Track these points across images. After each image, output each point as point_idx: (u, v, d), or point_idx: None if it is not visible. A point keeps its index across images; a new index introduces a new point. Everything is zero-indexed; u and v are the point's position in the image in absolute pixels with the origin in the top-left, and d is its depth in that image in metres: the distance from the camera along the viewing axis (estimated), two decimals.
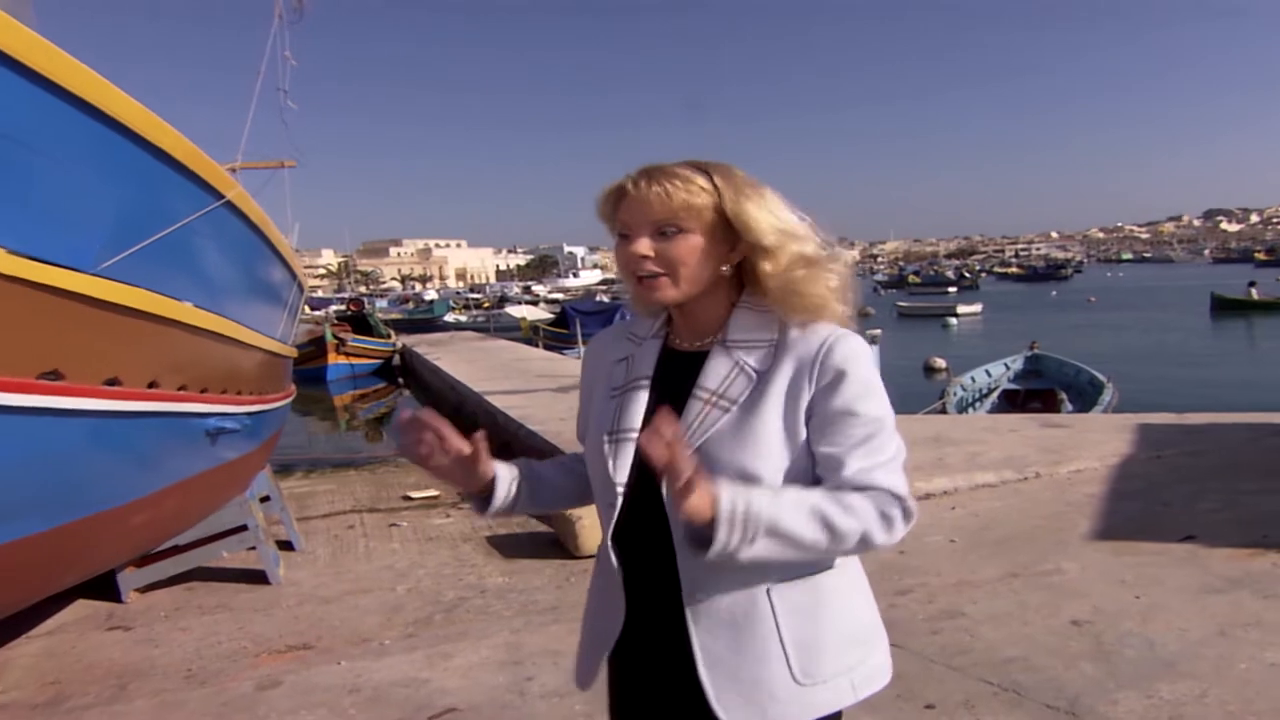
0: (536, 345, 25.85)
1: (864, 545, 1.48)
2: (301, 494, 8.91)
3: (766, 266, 1.56)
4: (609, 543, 1.59)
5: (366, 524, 7.39)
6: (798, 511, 1.43)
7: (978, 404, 15.27)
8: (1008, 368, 16.85)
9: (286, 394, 5.84)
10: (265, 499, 6.56)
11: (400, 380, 26.25)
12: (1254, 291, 43.67)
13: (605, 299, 50.85)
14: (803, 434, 1.52)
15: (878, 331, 25.62)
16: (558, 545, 6.08)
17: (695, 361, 1.61)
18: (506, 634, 4.56)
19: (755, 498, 1.40)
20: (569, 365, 16.73)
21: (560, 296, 69.51)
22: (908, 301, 57.36)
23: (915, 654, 3.98)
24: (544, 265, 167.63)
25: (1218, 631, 4.01)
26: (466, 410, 13.19)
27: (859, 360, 1.53)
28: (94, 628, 5.16)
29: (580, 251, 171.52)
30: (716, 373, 1.56)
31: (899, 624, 4.33)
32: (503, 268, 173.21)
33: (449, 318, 49.73)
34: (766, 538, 1.40)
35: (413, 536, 6.81)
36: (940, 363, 24.61)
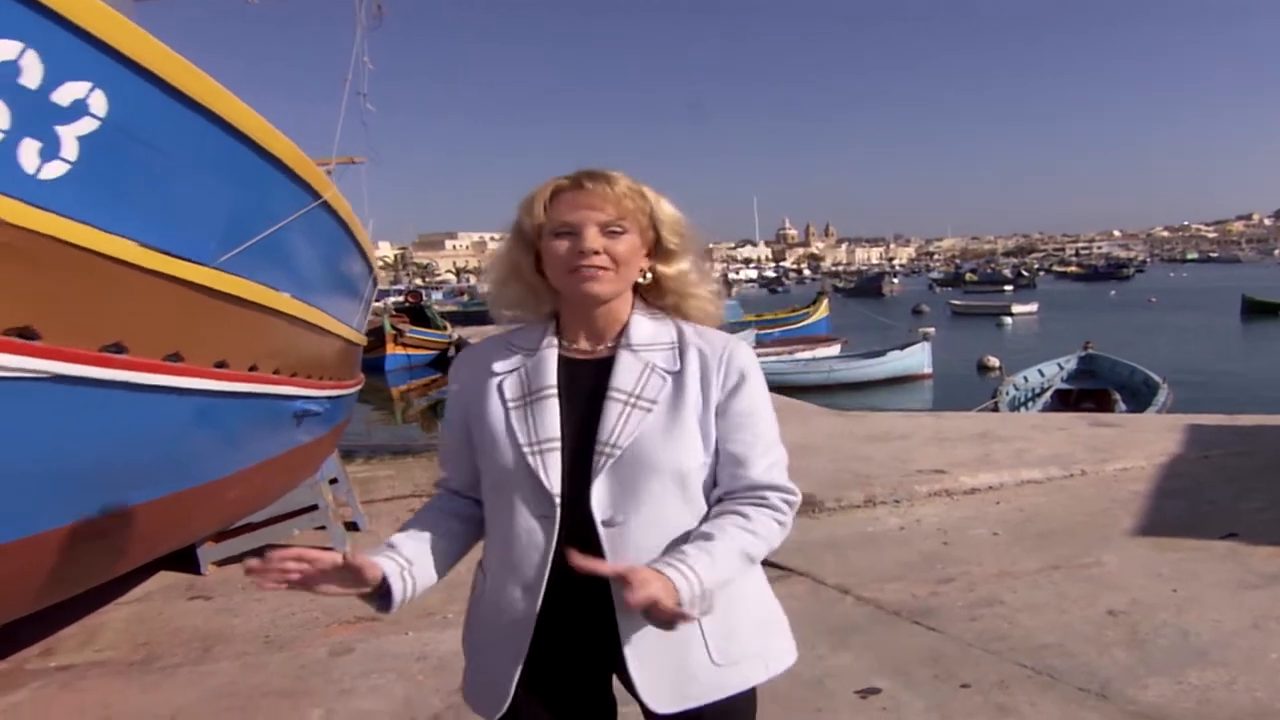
0: None
1: (765, 552, 1.66)
2: (364, 478, 9.26)
3: (668, 269, 1.71)
4: (550, 553, 1.60)
5: None
6: (730, 560, 1.58)
7: (1030, 403, 15.23)
8: (1061, 367, 16.76)
9: (357, 381, 6.15)
10: (333, 481, 6.88)
11: None
12: None
13: None
14: (713, 430, 1.65)
15: (930, 330, 25.64)
16: None
17: (594, 367, 1.69)
18: None
19: (702, 571, 1.52)
20: None
21: None
22: (962, 300, 56.79)
23: (953, 638, 4.15)
24: None
25: (1252, 624, 4.12)
26: None
27: (755, 366, 1.71)
28: (177, 596, 5.51)
29: None
30: (629, 374, 1.65)
31: (939, 610, 4.50)
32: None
33: None
34: (715, 594, 1.54)
35: None
36: (994, 361, 24.46)
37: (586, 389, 1.67)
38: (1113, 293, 67.38)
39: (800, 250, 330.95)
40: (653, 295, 1.74)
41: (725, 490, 1.67)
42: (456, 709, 3.75)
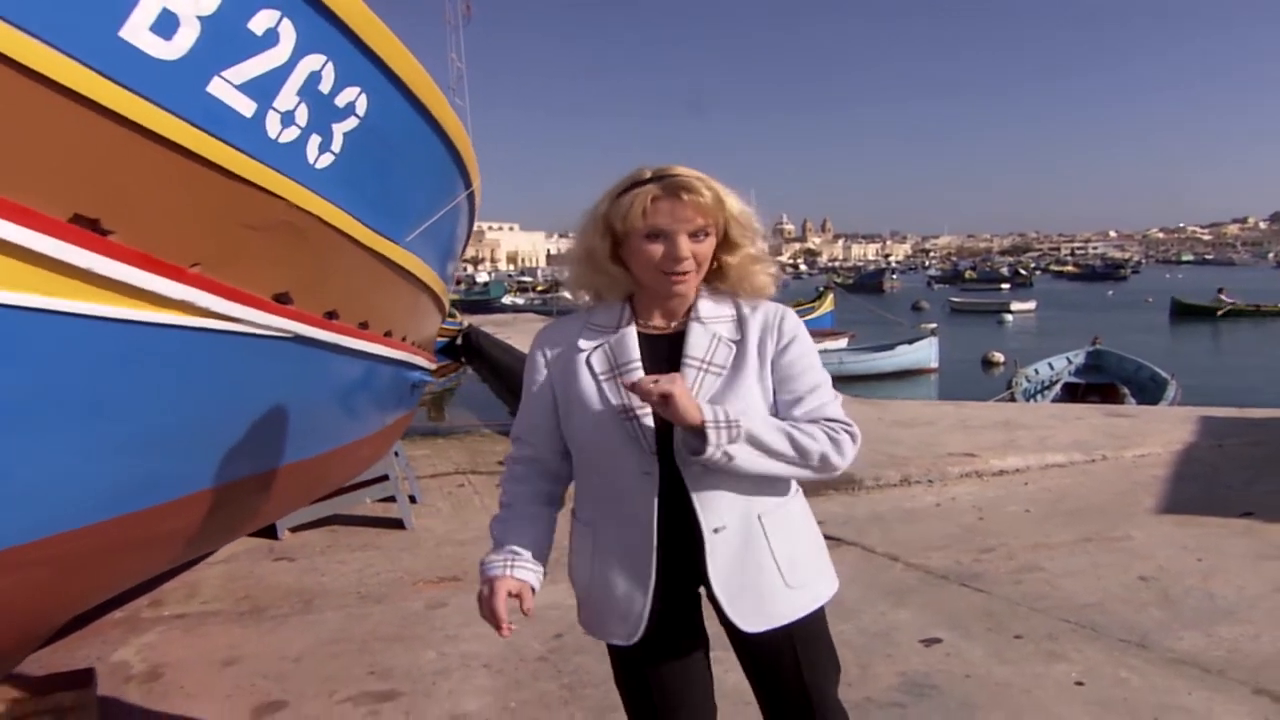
0: None
1: (825, 464, 1.88)
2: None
3: (732, 259, 1.94)
4: (656, 501, 1.86)
5: (474, 483, 8.08)
6: (768, 426, 1.83)
7: (1039, 396, 15.64)
8: (1069, 361, 17.17)
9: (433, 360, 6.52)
10: (395, 454, 7.25)
11: (463, 359, 27.06)
12: (1222, 296, 41.85)
13: None
14: (769, 384, 1.92)
15: (933, 325, 25.97)
16: None
17: (669, 340, 1.94)
18: None
19: (733, 413, 1.78)
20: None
21: None
22: (960, 297, 57.19)
23: (1001, 598, 4.54)
24: None
25: (1273, 589, 4.51)
26: None
27: (803, 329, 1.98)
28: (261, 558, 5.88)
29: None
30: (700, 344, 1.91)
31: (984, 575, 4.90)
32: (554, 252, 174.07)
33: (505, 299, 50.61)
34: (747, 444, 1.78)
35: None
36: (999, 357, 24.91)
37: (664, 359, 1.91)
38: (1110, 293, 67.79)
39: (796, 245, 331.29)
40: (716, 278, 1.98)
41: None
42: (558, 651, 4.13)
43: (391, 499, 6.69)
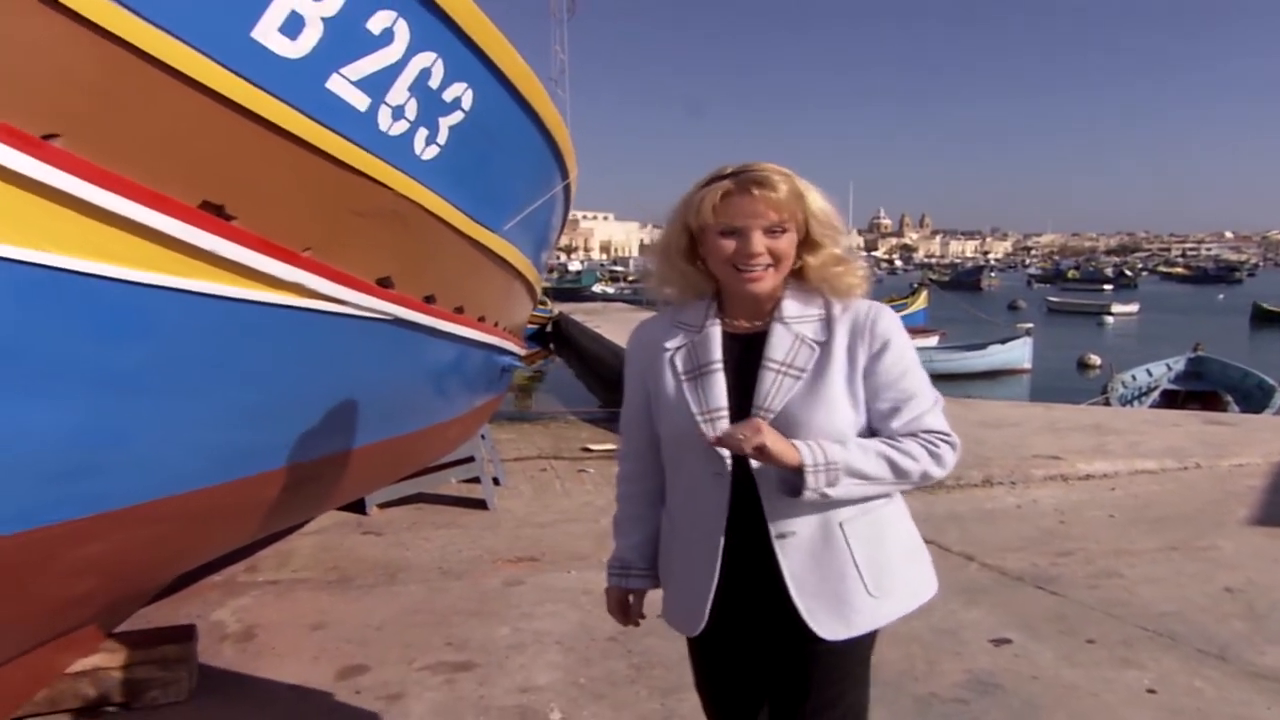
0: None
1: (924, 479, 1.84)
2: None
3: (814, 259, 1.88)
4: (725, 503, 1.86)
5: (556, 468, 8.26)
6: (865, 454, 1.78)
7: (1136, 402, 15.16)
8: (1169, 368, 16.58)
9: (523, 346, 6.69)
10: (482, 436, 7.46)
11: (552, 346, 27.41)
12: None
13: None
14: (860, 392, 1.84)
15: (1029, 325, 25.34)
16: None
17: (752, 341, 1.88)
18: None
19: (829, 446, 1.75)
20: None
21: None
22: (1059, 297, 55.57)
23: (1075, 602, 4.49)
24: None
25: None
26: None
27: (899, 329, 1.87)
28: (350, 531, 6.13)
29: None
30: (781, 346, 1.84)
31: (1061, 578, 4.84)
32: (646, 242, 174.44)
33: (596, 288, 51.06)
34: (847, 477, 1.75)
35: (602, 482, 7.61)
36: (1095, 359, 24.18)
37: (748, 360, 1.86)
38: (1221, 296, 64.91)
39: (893, 240, 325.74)
40: (802, 276, 1.91)
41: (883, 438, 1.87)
42: (628, 633, 4.22)
43: (475, 480, 6.89)
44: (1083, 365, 24.74)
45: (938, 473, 1.85)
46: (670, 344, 1.93)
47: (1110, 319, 42.37)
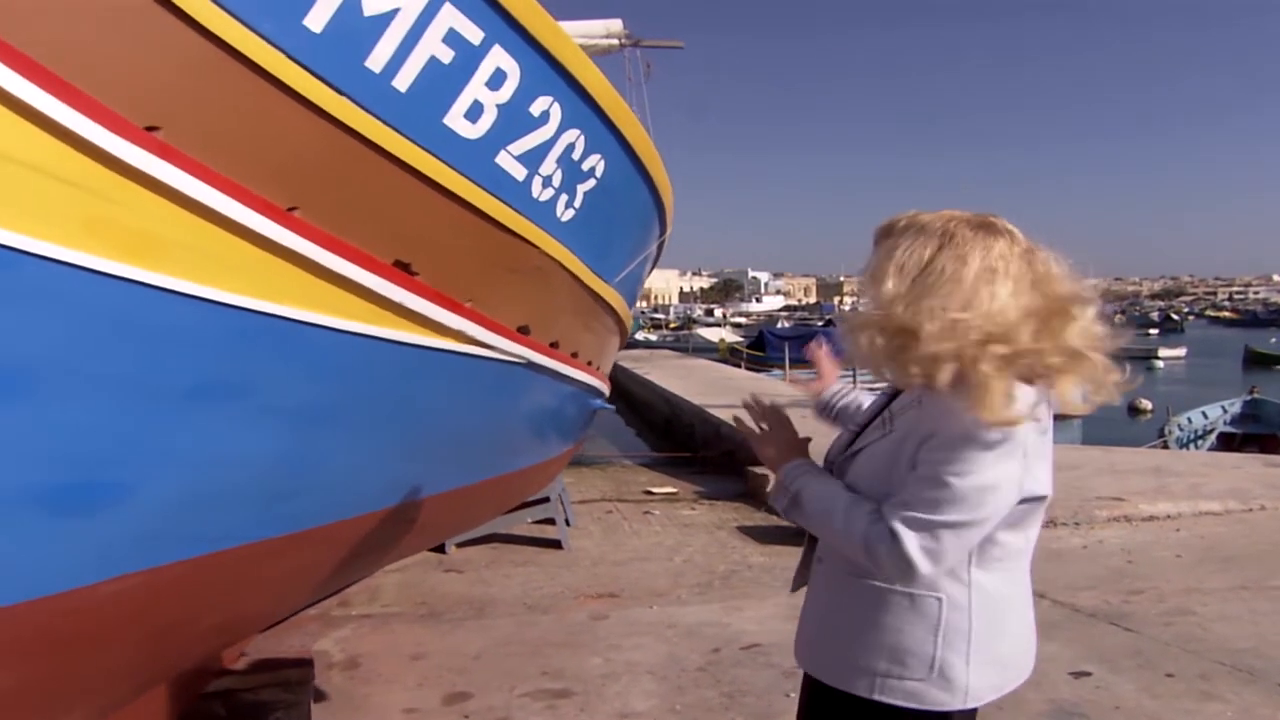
0: (737, 366, 26.81)
1: (866, 556, 1.70)
2: None
3: None
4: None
5: (622, 510, 8.46)
6: (823, 493, 1.79)
7: (1193, 445, 15.10)
8: (1225, 410, 16.50)
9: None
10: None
11: None
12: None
13: (786, 324, 51.65)
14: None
15: None
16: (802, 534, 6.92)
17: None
18: (784, 597, 5.42)
19: (803, 471, 1.84)
20: (776, 386, 17.56)
21: (742, 321, 70.43)
22: None
23: (1150, 638, 4.60)
24: (727, 289, 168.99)
25: None
26: (682, 421, 14.28)
27: (956, 442, 1.63)
28: (433, 569, 6.37)
29: (764, 277, 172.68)
30: (869, 417, 1.89)
31: (1133, 615, 4.95)
32: (686, 290, 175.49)
33: (639, 336, 51.43)
34: (799, 510, 1.83)
35: (669, 523, 7.81)
36: (1146, 404, 23.98)
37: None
38: (1274, 340, 63.76)
39: None
40: None
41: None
42: (715, 664, 4.42)
43: (546, 520, 7.12)
44: (1134, 410, 24.51)
45: (865, 560, 1.72)
46: None
47: (1160, 363, 41.95)
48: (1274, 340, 56.87)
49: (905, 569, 1.66)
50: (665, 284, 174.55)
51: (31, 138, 1.56)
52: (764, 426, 1.91)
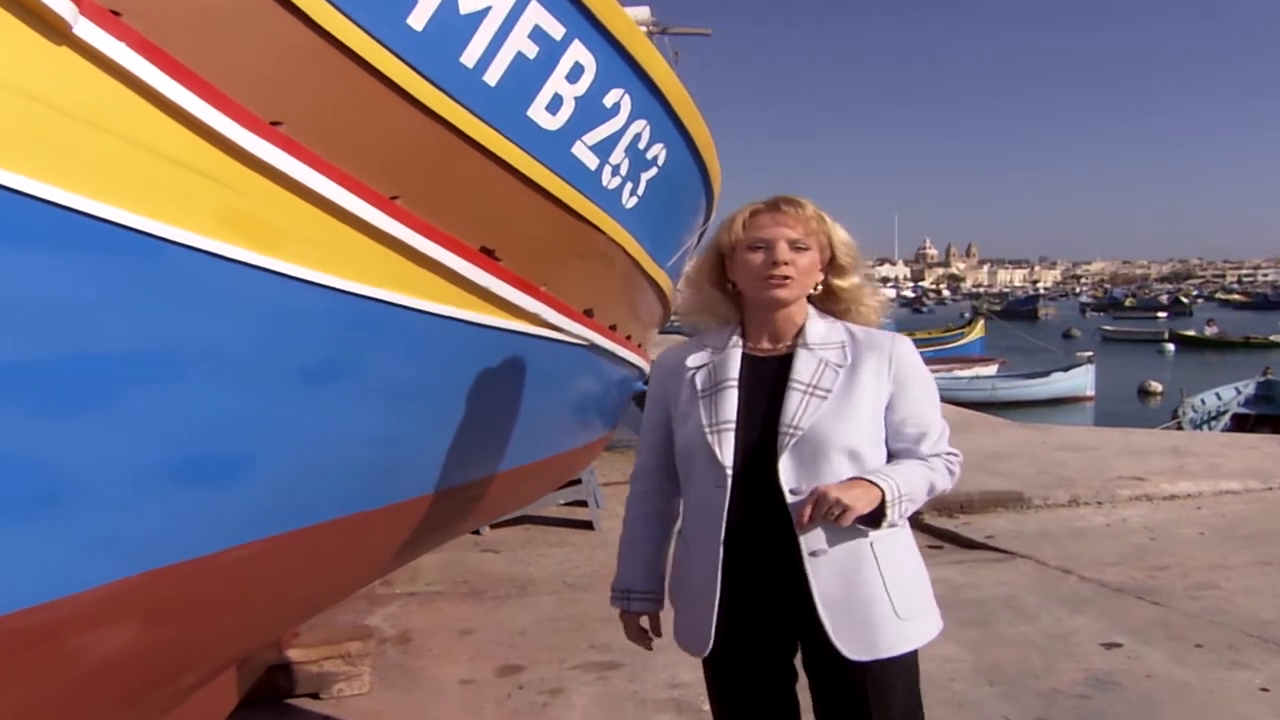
0: None
1: (940, 491, 2.01)
2: None
3: (842, 282, 2.04)
4: (724, 516, 1.91)
5: None
6: (917, 478, 1.94)
7: (1207, 426, 15.19)
8: (1238, 392, 16.56)
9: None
10: None
11: None
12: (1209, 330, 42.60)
13: None
14: (882, 413, 1.96)
15: (1090, 353, 25.31)
16: None
17: (775, 363, 1.98)
18: None
19: (898, 479, 1.89)
20: None
21: None
22: (1113, 325, 55.05)
23: (1178, 611, 4.72)
24: None
25: None
26: None
27: (917, 358, 2.03)
28: (469, 549, 6.51)
29: None
30: (806, 368, 1.94)
31: (1160, 590, 5.07)
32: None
33: None
34: (910, 503, 1.90)
35: None
36: (1156, 386, 24.15)
37: (769, 381, 1.97)
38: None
39: (940, 270, 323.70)
40: (825, 303, 2.06)
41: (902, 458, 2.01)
42: None
43: (579, 503, 7.26)
44: (1144, 392, 24.67)
45: (949, 485, 2.03)
46: (693, 363, 2.04)
47: (1171, 346, 41.98)
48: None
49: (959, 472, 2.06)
50: None
51: (173, 133, 1.69)
52: (832, 510, 1.83)
